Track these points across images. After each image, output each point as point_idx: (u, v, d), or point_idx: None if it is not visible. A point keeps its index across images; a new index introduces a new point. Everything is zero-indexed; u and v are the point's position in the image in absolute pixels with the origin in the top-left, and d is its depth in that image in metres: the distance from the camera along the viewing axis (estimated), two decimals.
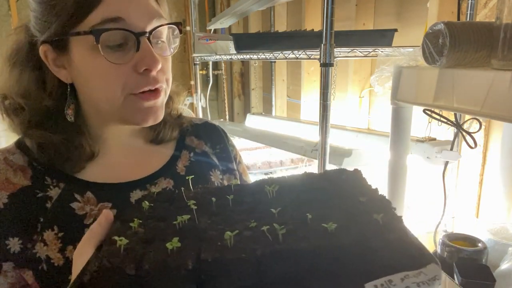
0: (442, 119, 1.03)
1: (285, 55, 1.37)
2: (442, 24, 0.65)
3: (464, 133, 1.08)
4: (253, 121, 2.44)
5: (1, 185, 0.63)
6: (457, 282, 0.88)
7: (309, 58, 1.25)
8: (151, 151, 0.76)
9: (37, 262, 0.61)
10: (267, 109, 2.96)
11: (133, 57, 0.60)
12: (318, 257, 0.38)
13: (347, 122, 1.99)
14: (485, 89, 0.58)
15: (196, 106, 2.57)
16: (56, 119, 0.66)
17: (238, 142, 2.21)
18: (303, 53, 1.27)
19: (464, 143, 1.12)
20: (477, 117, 1.09)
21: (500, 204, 1.26)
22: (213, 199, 0.52)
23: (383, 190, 0.89)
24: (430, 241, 1.26)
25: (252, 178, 0.80)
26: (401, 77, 0.83)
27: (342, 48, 1.16)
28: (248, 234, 0.42)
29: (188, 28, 3.03)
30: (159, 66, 0.62)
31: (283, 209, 0.47)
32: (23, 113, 0.65)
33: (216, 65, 3.53)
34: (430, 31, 0.68)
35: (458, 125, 1.09)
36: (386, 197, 0.49)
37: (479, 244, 1.01)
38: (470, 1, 1.18)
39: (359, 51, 1.18)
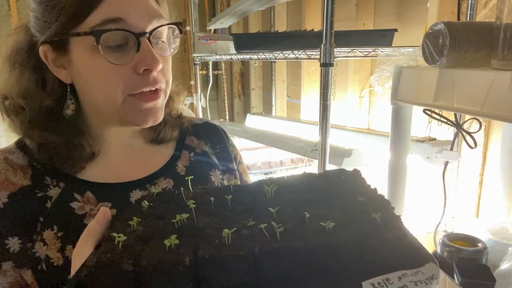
0: (442, 119, 1.03)
1: (285, 55, 1.37)
2: (442, 24, 0.65)
3: (464, 133, 1.08)
4: (253, 121, 2.43)
5: (1, 184, 0.63)
6: (457, 282, 0.88)
7: (309, 58, 1.25)
8: (151, 151, 0.76)
9: (37, 262, 0.61)
10: (267, 109, 2.96)
11: (133, 58, 0.60)
12: (316, 255, 0.38)
13: (347, 122, 1.99)
14: (485, 89, 0.58)
15: (196, 106, 2.57)
16: (56, 119, 0.66)
17: (238, 142, 2.21)
18: (303, 53, 1.27)
19: (464, 143, 1.12)
20: (477, 117, 1.09)
21: (500, 204, 1.26)
22: (212, 198, 0.52)
23: (383, 190, 0.89)
24: (430, 241, 1.26)
25: (252, 178, 0.80)
26: (401, 77, 0.83)
27: (342, 48, 1.16)
28: (246, 232, 0.42)
29: (188, 28, 3.03)
30: (160, 67, 0.62)
31: (281, 208, 0.47)
32: (23, 113, 0.65)
33: (216, 65, 3.53)
34: (430, 31, 0.68)
35: (458, 125, 1.09)
36: (385, 197, 0.49)
37: (479, 244, 1.01)
38: (470, 1, 1.18)
39: (359, 51, 1.18)
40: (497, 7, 0.57)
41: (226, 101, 3.42)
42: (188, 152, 0.80)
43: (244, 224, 0.44)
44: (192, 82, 3.03)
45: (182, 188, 0.56)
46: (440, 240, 1.06)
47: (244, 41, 1.71)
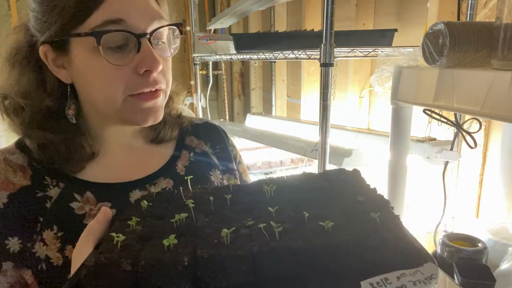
0: (442, 119, 1.03)
1: (285, 55, 1.37)
2: (442, 24, 0.65)
3: (464, 133, 1.08)
4: (253, 121, 2.43)
5: (1, 185, 0.63)
6: (457, 282, 0.88)
7: (309, 58, 1.25)
8: (151, 151, 0.76)
9: (37, 262, 0.61)
10: (267, 109, 2.96)
11: (133, 59, 0.60)
12: (315, 255, 0.38)
13: (347, 122, 1.99)
14: (485, 89, 0.58)
15: (196, 106, 2.57)
16: (56, 119, 0.66)
17: (238, 142, 2.21)
18: (303, 53, 1.27)
19: (464, 143, 1.12)
20: (477, 117, 1.09)
21: (500, 204, 1.26)
22: (211, 198, 0.52)
23: (383, 190, 0.89)
24: (430, 241, 1.26)
25: (252, 178, 0.80)
26: (401, 77, 0.83)
27: (342, 48, 1.16)
28: (245, 232, 0.42)
29: (188, 28, 3.03)
30: (160, 67, 0.62)
31: (280, 208, 0.47)
32: (23, 113, 0.65)
33: (216, 65, 3.53)
34: (430, 31, 0.68)
35: (458, 125, 1.09)
36: (385, 197, 0.49)
37: (479, 244, 1.01)
38: (470, 1, 1.18)
39: (359, 51, 1.18)
40: (497, 7, 0.57)
41: (226, 101, 3.42)
42: (188, 152, 0.80)
43: (243, 224, 0.44)
44: (192, 82, 3.03)
45: (181, 188, 0.56)
46: (440, 240, 1.06)
47: (244, 41, 1.71)
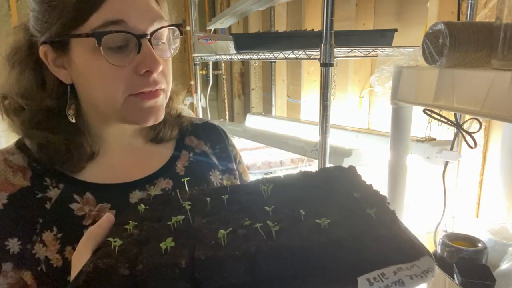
0: (442, 119, 1.03)
1: (285, 55, 1.37)
2: (442, 24, 0.65)
3: (464, 133, 1.08)
4: (253, 121, 2.43)
5: (1, 185, 0.63)
6: (457, 282, 0.88)
7: (309, 58, 1.25)
8: (151, 151, 0.76)
9: (36, 263, 0.61)
10: (267, 109, 2.95)
11: (134, 59, 0.60)
12: (311, 252, 0.39)
13: (347, 122, 1.99)
14: (485, 89, 0.58)
15: (196, 106, 2.57)
16: (56, 119, 0.66)
17: (238, 142, 2.21)
18: (303, 53, 1.27)
19: (464, 143, 1.12)
20: (477, 117, 1.09)
21: (500, 204, 1.26)
22: (208, 199, 0.52)
23: (383, 190, 0.89)
24: (430, 241, 1.26)
25: (252, 178, 0.80)
26: (401, 77, 0.83)
27: (342, 48, 1.16)
28: (242, 232, 0.42)
29: (188, 28, 3.03)
30: (160, 68, 0.62)
31: (277, 207, 0.47)
32: (23, 113, 0.65)
33: (216, 65, 3.53)
34: (430, 31, 0.68)
35: (458, 125, 1.09)
36: (380, 192, 0.49)
37: (479, 244, 1.01)
38: (470, 1, 1.18)
39: (359, 51, 1.18)
40: (497, 7, 0.57)
41: (226, 101, 3.42)
42: (187, 152, 0.80)
43: (241, 224, 0.44)
44: (192, 82, 3.03)
45: (178, 190, 0.56)
46: (440, 240, 1.06)
47: (244, 41, 1.71)
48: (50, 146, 0.65)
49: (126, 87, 0.61)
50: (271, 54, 1.46)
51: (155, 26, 0.62)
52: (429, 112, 1.01)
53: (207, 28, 2.79)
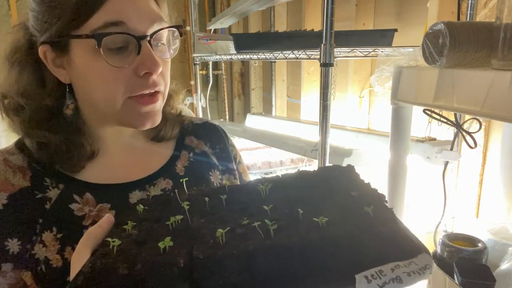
0: (442, 119, 1.03)
1: (285, 55, 1.37)
2: (442, 24, 0.65)
3: (464, 133, 1.08)
4: (253, 121, 2.43)
5: (1, 186, 0.63)
6: (457, 282, 0.88)
7: (309, 58, 1.25)
8: (151, 151, 0.76)
9: (36, 263, 0.61)
10: (267, 109, 2.95)
11: (133, 60, 0.60)
12: (309, 251, 0.39)
13: (347, 122, 1.99)
14: (485, 89, 0.58)
15: (196, 106, 2.57)
16: (56, 119, 0.66)
17: (238, 142, 2.21)
18: (303, 53, 1.27)
19: (464, 143, 1.12)
20: (477, 117, 1.08)
21: (500, 204, 1.26)
22: (207, 199, 0.52)
23: (383, 190, 0.89)
24: (430, 241, 1.26)
25: (252, 178, 0.80)
26: (401, 77, 0.83)
27: (342, 48, 1.16)
28: (240, 231, 0.43)
29: (188, 28, 3.03)
30: (160, 70, 0.62)
31: (275, 206, 0.47)
32: (23, 113, 0.65)
33: (216, 65, 3.53)
34: (430, 31, 0.68)
35: (458, 125, 1.09)
36: (378, 191, 0.49)
37: (479, 244, 1.01)
38: (470, 1, 1.18)
39: (359, 51, 1.18)
40: (497, 7, 0.57)
41: (226, 101, 3.41)
42: (187, 152, 0.79)
43: (239, 223, 0.44)
44: (192, 82, 3.03)
45: (176, 190, 0.57)
46: (440, 240, 1.05)
47: (244, 41, 1.71)
48: (50, 145, 0.65)
49: (125, 88, 0.61)
50: (271, 54, 1.46)
51: (155, 27, 0.62)
52: (429, 112, 1.01)
53: (207, 28, 2.79)
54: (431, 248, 1.21)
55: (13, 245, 0.61)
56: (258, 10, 2.59)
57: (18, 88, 0.65)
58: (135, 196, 0.69)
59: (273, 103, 2.73)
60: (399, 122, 0.89)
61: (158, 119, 0.67)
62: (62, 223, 0.63)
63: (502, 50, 0.56)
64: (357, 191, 0.49)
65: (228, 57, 2.01)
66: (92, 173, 0.68)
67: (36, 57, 0.64)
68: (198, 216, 0.48)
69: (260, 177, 0.58)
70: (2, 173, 0.64)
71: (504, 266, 0.97)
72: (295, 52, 1.31)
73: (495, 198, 1.28)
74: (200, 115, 2.57)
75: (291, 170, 2.07)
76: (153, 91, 0.63)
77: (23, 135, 0.68)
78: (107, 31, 0.58)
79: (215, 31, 2.86)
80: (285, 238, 0.40)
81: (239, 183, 0.84)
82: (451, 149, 1.22)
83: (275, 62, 2.63)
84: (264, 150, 2.25)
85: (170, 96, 0.74)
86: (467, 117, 1.12)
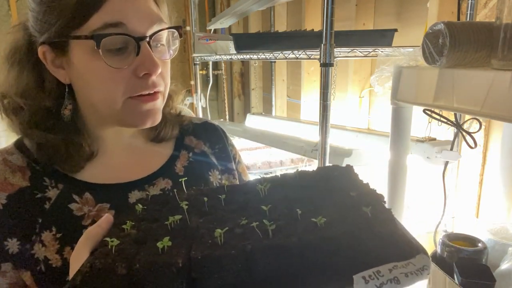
0: (442, 119, 1.03)
1: (285, 55, 1.37)
2: (442, 24, 0.65)
3: (464, 133, 1.08)
4: (253, 121, 2.43)
5: (0, 186, 0.63)
6: (457, 282, 0.88)
7: (309, 58, 1.25)
8: (150, 151, 0.76)
9: (35, 263, 0.61)
10: (267, 109, 2.95)
11: (133, 61, 0.60)
12: (308, 251, 0.39)
13: (347, 122, 1.99)
14: (485, 89, 0.58)
15: (196, 106, 2.57)
16: (55, 119, 0.66)
17: (238, 142, 2.21)
18: (303, 53, 1.27)
19: (464, 143, 1.12)
20: (477, 117, 1.08)
21: (500, 204, 1.26)
22: (205, 199, 0.52)
23: (383, 190, 0.89)
24: (430, 241, 1.26)
25: (252, 178, 0.80)
26: (401, 77, 0.83)
27: (342, 48, 1.16)
28: (238, 231, 0.43)
29: (188, 28, 3.03)
30: (159, 71, 0.62)
31: (274, 206, 0.47)
32: (23, 113, 0.65)
33: (216, 65, 3.53)
34: (430, 31, 0.68)
35: (458, 125, 1.09)
36: (377, 191, 0.49)
37: (479, 244, 1.01)
38: (470, 1, 1.18)
39: (359, 51, 1.18)
40: (497, 7, 0.57)
41: (226, 101, 3.41)
42: (187, 152, 0.79)
43: (237, 223, 0.44)
44: (192, 82, 3.03)
45: (175, 190, 0.57)
46: (440, 240, 1.05)
47: (244, 41, 1.71)
48: (49, 145, 0.65)
49: (125, 89, 0.61)
50: (271, 54, 1.46)
51: (155, 28, 0.62)
52: (429, 112, 1.01)
53: (207, 28, 2.79)
54: (431, 248, 1.21)
55: (13, 245, 0.61)
56: (258, 10, 2.59)
57: (18, 88, 0.65)
58: (134, 196, 0.69)
59: (273, 103, 2.73)
60: (399, 122, 0.89)
61: (158, 118, 0.67)
62: (61, 223, 0.63)
63: (502, 50, 0.56)
64: (356, 191, 0.49)
65: (228, 57, 2.01)
66: (92, 173, 0.68)
67: (36, 58, 0.64)
68: (196, 216, 0.48)
69: (260, 177, 0.58)
70: (1, 173, 0.64)
71: (504, 266, 0.97)
72: (295, 52, 1.31)
73: (495, 198, 1.28)
74: (200, 115, 2.57)
75: (291, 170, 2.05)
76: (152, 91, 0.63)
77: (22, 135, 0.68)
78: (106, 32, 0.58)
79: (215, 31, 2.86)
80: (284, 238, 0.40)
81: (238, 183, 0.84)
82: (451, 149, 1.22)
83: (275, 62, 2.63)
84: (264, 150, 2.25)
85: (169, 97, 0.74)
86: (467, 117, 1.12)
